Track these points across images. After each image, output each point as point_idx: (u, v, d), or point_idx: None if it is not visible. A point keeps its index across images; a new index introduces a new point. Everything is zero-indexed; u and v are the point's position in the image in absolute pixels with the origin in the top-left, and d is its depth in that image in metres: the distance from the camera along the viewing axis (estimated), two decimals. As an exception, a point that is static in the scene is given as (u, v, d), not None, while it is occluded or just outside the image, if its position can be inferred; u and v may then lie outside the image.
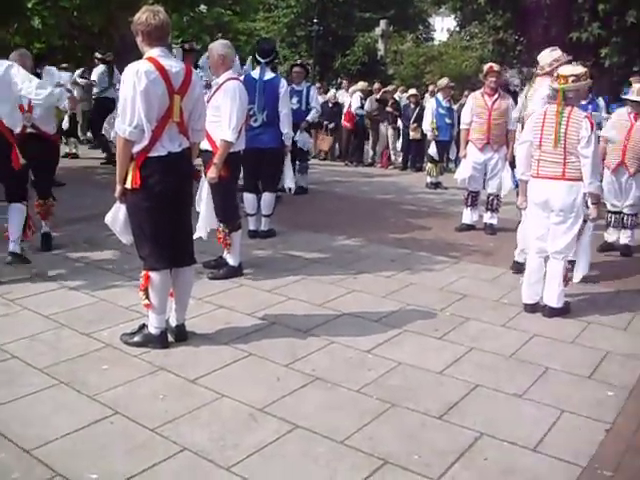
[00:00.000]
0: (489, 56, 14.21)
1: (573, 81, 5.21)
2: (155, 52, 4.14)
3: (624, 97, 7.60)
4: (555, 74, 5.31)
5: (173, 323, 4.56)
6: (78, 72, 14.11)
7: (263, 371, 4.17)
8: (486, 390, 4.02)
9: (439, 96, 12.79)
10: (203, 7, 17.11)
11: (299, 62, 11.03)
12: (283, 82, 7.43)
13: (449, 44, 34.39)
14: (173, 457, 3.19)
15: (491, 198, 8.51)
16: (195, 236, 5.71)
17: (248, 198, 7.46)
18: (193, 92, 4.29)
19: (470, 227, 8.47)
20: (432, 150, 12.34)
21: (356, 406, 3.76)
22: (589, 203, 5.22)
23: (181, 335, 4.56)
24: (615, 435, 3.58)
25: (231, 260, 6.05)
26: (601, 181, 6.00)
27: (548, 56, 6.17)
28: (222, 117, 5.61)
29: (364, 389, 3.95)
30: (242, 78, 6.60)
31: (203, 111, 4.54)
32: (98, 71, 13.24)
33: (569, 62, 6.00)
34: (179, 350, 4.41)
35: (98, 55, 13.55)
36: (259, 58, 7.42)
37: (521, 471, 3.20)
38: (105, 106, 11.92)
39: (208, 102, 5.56)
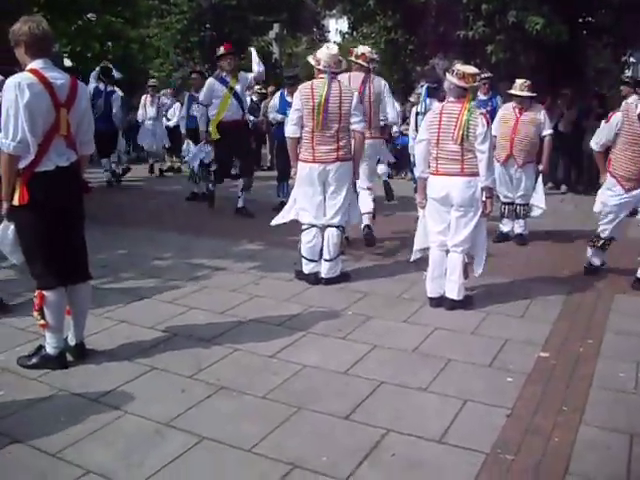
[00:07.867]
0: (382, 56, 14.36)
1: (479, 80, 5.30)
2: (38, 64, 4.00)
3: (509, 92, 7.87)
4: (459, 73, 5.28)
5: (72, 342, 4.41)
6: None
7: (167, 384, 4.09)
8: (391, 386, 4.07)
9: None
10: (92, 15, 16.72)
11: (197, 69, 10.95)
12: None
13: (343, 45, 34.79)
14: (77, 481, 3.08)
15: None
16: None
17: None
18: (80, 104, 4.17)
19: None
20: None
21: (262, 413, 3.74)
22: (483, 197, 5.35)
23: (80, 353, 4.42)
24: (515, 419, 3.69)
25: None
26: (493, 174, 6.19)
27: (326, 54, 5.93)
28: None
29: (270, 395, 3.94)
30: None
31: (91, 123, 4.40)
32: None
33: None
34: (79, 369, 4.27)
35: None
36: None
37: (428, 463, 3.25)
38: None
39: None
